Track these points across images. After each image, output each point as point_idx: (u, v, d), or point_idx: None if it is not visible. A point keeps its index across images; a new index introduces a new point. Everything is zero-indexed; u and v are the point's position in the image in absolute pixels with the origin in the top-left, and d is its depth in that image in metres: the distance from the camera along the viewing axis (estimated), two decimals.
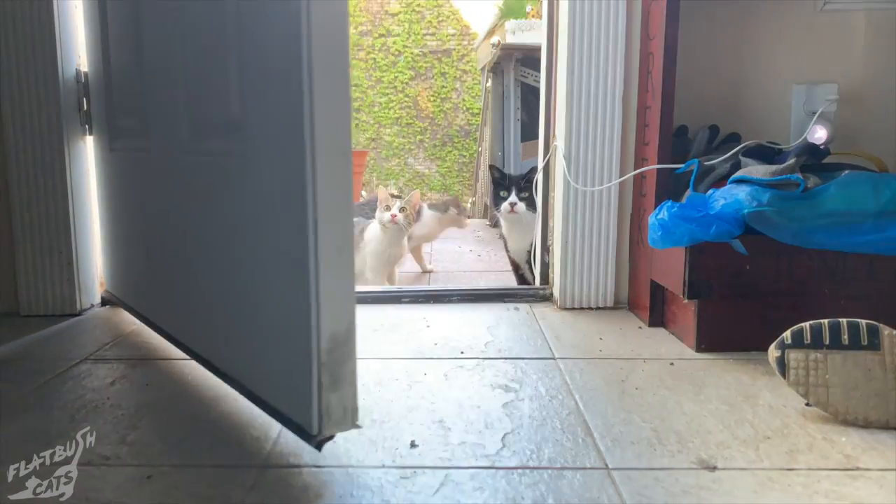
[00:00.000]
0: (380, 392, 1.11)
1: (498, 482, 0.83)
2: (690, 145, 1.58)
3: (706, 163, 1.43)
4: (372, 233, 2.52)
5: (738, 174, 1.31)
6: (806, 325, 1.02)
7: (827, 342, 1.00)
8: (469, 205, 5.35)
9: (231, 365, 1.02)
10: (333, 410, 0.80)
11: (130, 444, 0.93)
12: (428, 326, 1.49)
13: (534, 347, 1.34)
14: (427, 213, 2.85)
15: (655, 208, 1.33)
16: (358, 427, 0.84)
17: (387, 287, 1.84)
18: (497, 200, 2.18)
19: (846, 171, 1.31)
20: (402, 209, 2.45)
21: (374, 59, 8.37)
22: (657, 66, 1.42)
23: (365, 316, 1.58)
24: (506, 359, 1.27)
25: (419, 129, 8.49)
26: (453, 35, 8.40)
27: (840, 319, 1.01)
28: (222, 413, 1.03)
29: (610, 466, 0.87)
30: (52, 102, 1.47)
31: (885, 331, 0.99)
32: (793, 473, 0.85)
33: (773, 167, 1.30)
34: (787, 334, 1.02)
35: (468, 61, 8.39)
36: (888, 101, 1.67)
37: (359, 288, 1.99)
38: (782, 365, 1.01)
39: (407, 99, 8.58)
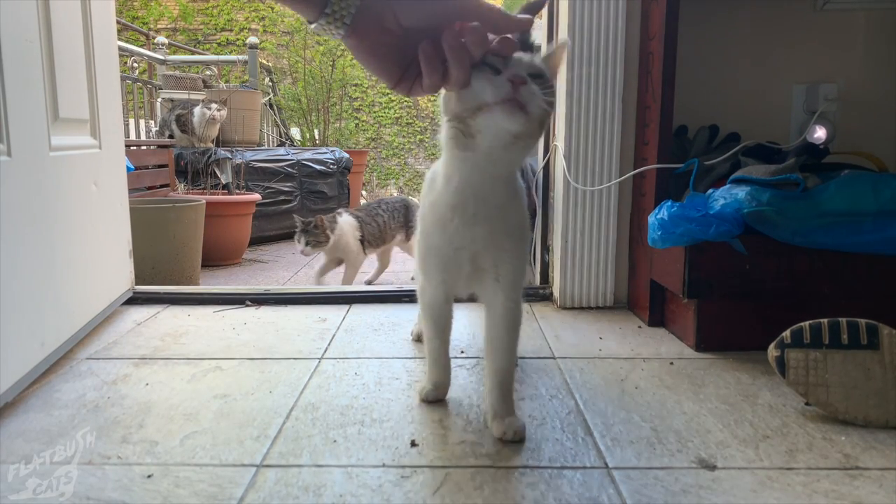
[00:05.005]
0: (380, 391, 1.12)
1: (498, 481, 0.83)
2: (690, 145, 1.58)
3: (706, 162, 1.43)
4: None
5: (737, 174, 1.31)
6: (805, 324, 1.02)
7: (826, 342, 1.00)
8: None
9: None
10: None
11: (131, 444, 0.93)
12: None
13: (533, 347, 1.34)
14: None
15: (655, 208, 1.33)
16: None
17: (388, 287, 1.84)
18: None
19: (846, 171, 1.32)
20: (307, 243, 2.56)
21: None
22: (657, 66, 1.42)
23: (365, 315, 1.58)
24: None
25: (419, 129, 8.50)
26: None
27: (839, 319, 1.01)
28: (222, 412, 1.03)
29: (610, 465, 0.87)
30: None
31: (885, 330, 0.99)
32: (792, 473, 0.85)
33: (773, 167, 1.30)
34: (787, 334, 1.02)
35: None
36: (888, 101, 1.67)
37: (359, 288, 1.99)
38: (782, 364, 1.01)
39: (407, 99, 8.58)
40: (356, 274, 2.76)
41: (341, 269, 3.14)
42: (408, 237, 2.90)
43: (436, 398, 1.06)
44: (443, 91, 0.77)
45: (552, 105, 0.79)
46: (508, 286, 0.93)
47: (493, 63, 0.75)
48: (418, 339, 1.34)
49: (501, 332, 0.95)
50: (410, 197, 3.16)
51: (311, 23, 0.72)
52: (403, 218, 2.88)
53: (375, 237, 2.76)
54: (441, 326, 1.04)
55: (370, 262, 3.03)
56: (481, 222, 0.88)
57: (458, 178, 0.86)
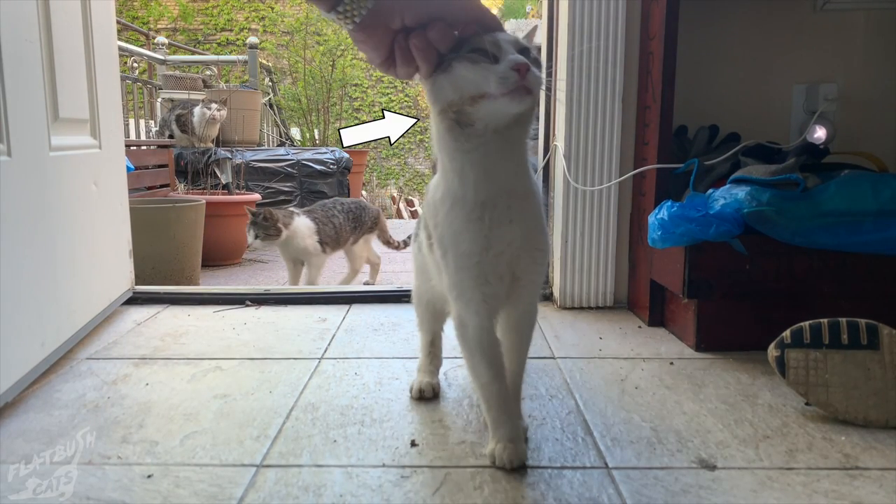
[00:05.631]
0: (380, 391, 1.12)
1: (498, 481, 0.83)
2: (690, 145, 1.58)
3: (706, 162, 1.43)
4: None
5: (737, 174, 1.31)
6: (805, 324, 1.02)
7: (826, 342, 1.00)
8: None
9: None
10: None
11: (131, 444, 0.93)
12: None
13: (533, 347, 1.34)
14: None
15: (655, 208, 1.33)
16: None
17: (388, 287, 1.83)
18: None
19: (846, 171, 1.32)
20: (256, 236, 2.50)
21: None
22: (657, 66, 1.42)
23: (365, 315, 1.58)
24: None
25: (419, 129, 8.50)
26: None
27: (839, 319, 1.01)
28: (222, 412, 1.03)
29: (610, 465, 0.87)
30: None
31: (885, 330, 0.99)
32: (792, 473, 0.85)
33: (773, 167, 1.30)
34: (787, 334, 1.02)
35: None
36: (888, 101, 1.67)
37: (359, 288, 1.99)
38: (782, 364, 1.01)
39: (407, 99, 8.60)
40: (319, 275, 2.72)
41: (339, 269, 3.14)
42: (355, 240, 2.88)
43: (521, 463, 0.85)
44: (431, 81, 0.78)
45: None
46: (534, 289, 0.88)
47: (486, 48, 0.73)
48: (420, 396, 1.09)
49: (517, 335, 0.89)
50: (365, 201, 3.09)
51: (323, 11, 0.75)
52: (356, 220, 2.85)
53: (332, 239, 2.72)
54: (498, 364, 0.86)
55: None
56: (517, 219, 0.81)
57: (473, 172, 0.79)
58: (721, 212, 1.23)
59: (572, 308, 1.62)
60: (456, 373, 1.20)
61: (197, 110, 4.00)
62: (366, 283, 2.96)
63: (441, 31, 0.74)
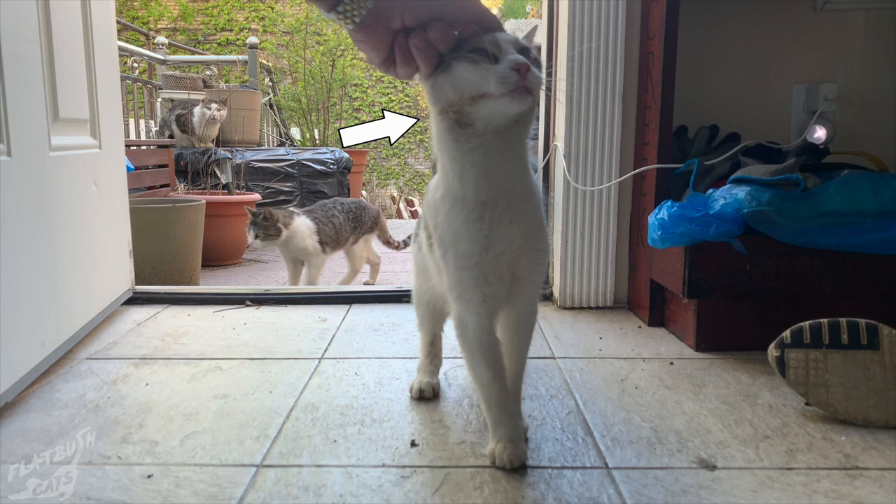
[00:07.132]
0: (380, 391, 1.12)
1: (498, 481, 0.83)
2: (690, 145, 1.58)
3: (706, 162, 1.43)
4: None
5: (737, 174, 1.31)
6: (805, 324, 1.02)
7: (826, 342, 1.00)
8: None
9: None
10: None
11: (131, 444, 0.93)
12: None
13: (533, 347, 1.34)
14: None
15: (655, 208, 1.33)
16: None
17: (388, 287, 1.84)
18: None
19: (846, 171, 1.32)
20: (256, 236, 2.50)
21: None
22: (657, 66, 1.42)
23: (365, 315, 1.58)
24: None
25: (419, 129, 8.50)
26: None
27: (839, 319, 1.01)
28: (223, 412, 1.03)
29: (610, 466, 0.87)
30: None
31: (885, 330, 0.99)
32: (792, 473, 0.85)
33: (773, 167, 1.30)
34: (787, 334, 1.02)
35: None
36: (888, 101, 1.67)
37: (359, 288, 1.99)
38: (782, 364, 1.01)
39: (407, 99, 8.60)
40: (319, 275, 2.72)
41: (339, 269, 3.14)
42: (355, 240, 2.88)
43: (521, 463, 0.85)
44: (431, 82, 0.78)
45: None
46: (534, 289, 0.88)
47: (486, 48, 0.73)
48: (420, 396, 1.09)
49: (517, 334, 0.89)
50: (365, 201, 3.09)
51: (323, 11, 0.75)
52: (356, 220, 2.85)
53: (332, 239, 2.72)
54: (499, 364, 0.86)
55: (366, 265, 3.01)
56: (517, 219, 0.81)
57: (473, 172, 0.79)
58: (721, 212, 1.23)
59: (572, 308, 1.62)
60: (456, 373, 1.20)
61: (197, 110, 4.00)
62: (366, 283, 2.96)
63: (441, 31, 0.74)
